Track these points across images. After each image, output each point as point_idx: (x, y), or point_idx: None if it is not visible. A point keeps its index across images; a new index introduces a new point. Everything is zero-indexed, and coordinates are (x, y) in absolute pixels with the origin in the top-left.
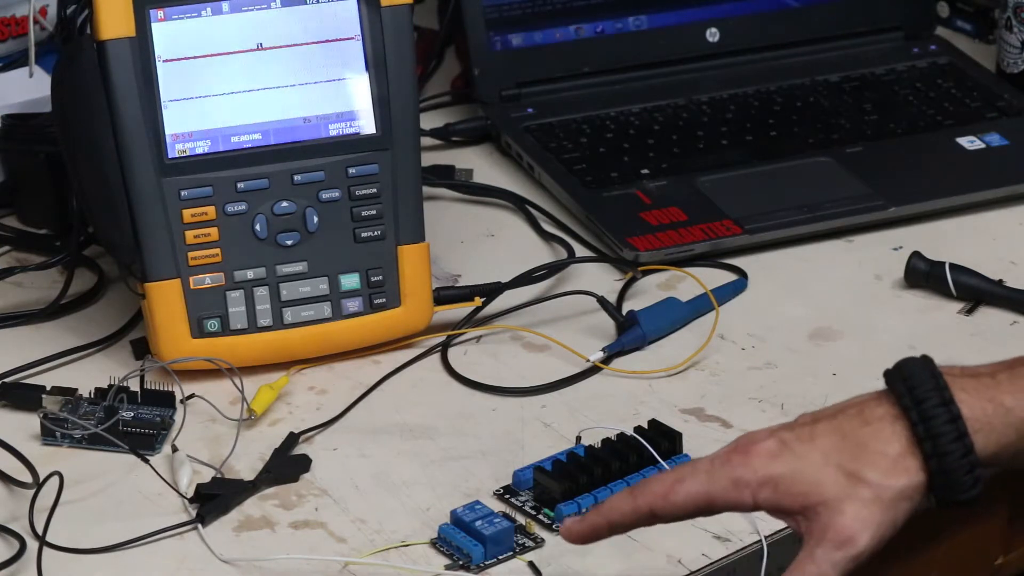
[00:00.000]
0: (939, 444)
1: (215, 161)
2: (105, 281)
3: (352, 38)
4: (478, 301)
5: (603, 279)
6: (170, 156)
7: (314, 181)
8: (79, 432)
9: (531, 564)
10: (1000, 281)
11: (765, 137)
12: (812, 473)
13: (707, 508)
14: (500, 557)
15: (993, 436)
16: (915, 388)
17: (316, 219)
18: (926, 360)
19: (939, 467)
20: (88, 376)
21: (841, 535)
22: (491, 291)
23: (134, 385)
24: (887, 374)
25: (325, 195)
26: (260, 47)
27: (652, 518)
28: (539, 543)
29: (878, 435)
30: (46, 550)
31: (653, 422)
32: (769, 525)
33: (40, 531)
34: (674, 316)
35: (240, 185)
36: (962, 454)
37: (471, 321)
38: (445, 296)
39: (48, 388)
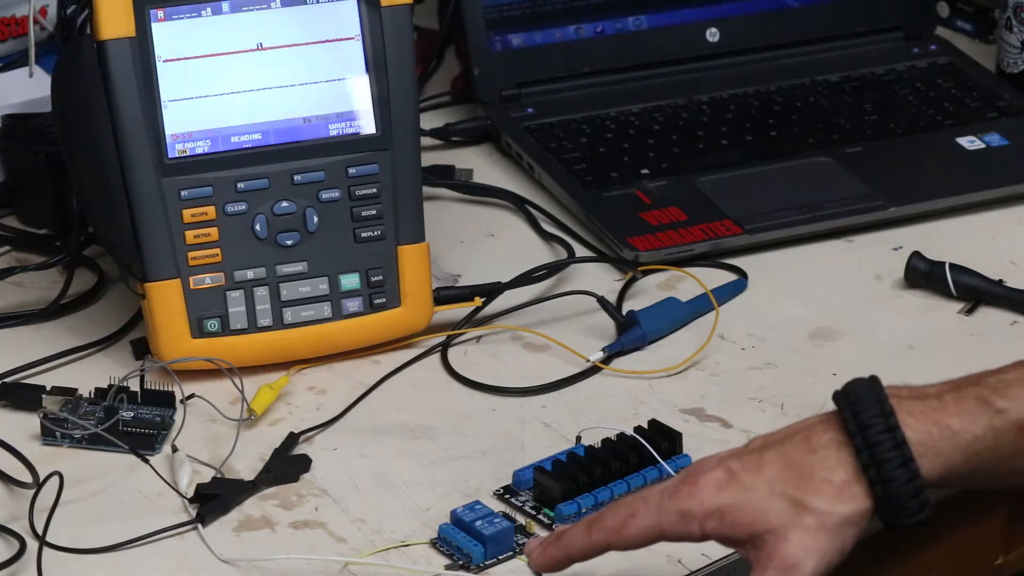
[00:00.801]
0: (884, 471)
1: (215, 161)
2: (105, 281)
3: (352, 38)
4: (478, 301)
5: (603, 279)
6: (170, 156)
7: (314, 181)
8: (79, 432)
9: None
10: (1000, 281)
11: (765, 137)
12: (758, 503)
13: (659, 539)
14: (500, 557)
15: (939, 459)
16: (860, 413)
17: (316, 219)
18: (874, 382)
19: (884, 493)
20: (88, 376)
21: (786, 562)
22: (491, 291)
23: (134, 385)
24: (835, 396)
25: (325, 195)
26: (260, 47)
27: (607, 549)
28: None
29: (823, 462)
30: (46, 550)
31: (653, 422)
32: None
33: (40, 531)
34: (674, 316)
35: (240, 185)
36: (907, 479)
37: (471, 321)
38: (445, 296)
39: (48, 388)
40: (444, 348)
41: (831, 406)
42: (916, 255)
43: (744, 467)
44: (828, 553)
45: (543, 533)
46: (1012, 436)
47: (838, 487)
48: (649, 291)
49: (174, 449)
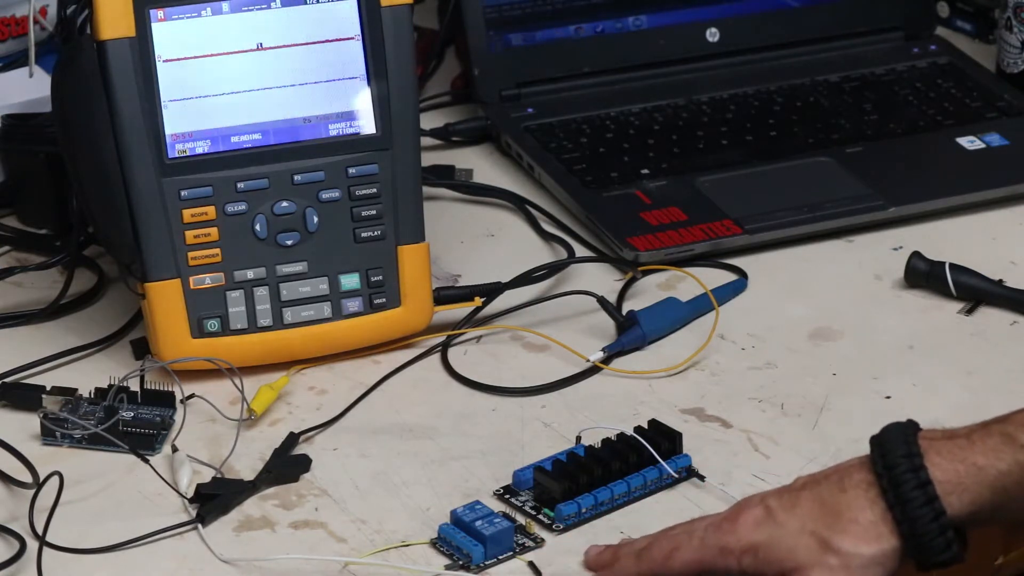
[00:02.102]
0: (908, 509)
1: (215, 161)
2: (105, 281)
3: (352, 38)
4: (478, 301)
5: (603, 279)
6: (170, 156)
7: (314, 181)
8: (79, 432)
9: (531, 564)
10: (1000, 281)
11: (765, 137)
12: (789, 541)
13: (702, 571)
14: (500, 557)
15: (967, 496)
16: (888, 454)
17: (316, 219)
18: (908, 425)
19: (911, 531)
20: (88, 376)
21: None
22: (491, 291)
23: (134, 385)
24: (871, 440)
25: (325, 195)
26: (260, 47)
27: None
28: (539, 543)
29: (853, 502)
30: (46, 550)
31: (653, 422)
32: None
33: (40, 531)
34: (674, 316)
35: (240, 185)
36: (932, 518)
37: (471, 321)
38: (445, 296)
39: (48, 388)
40: (444, 348)
41: (831, 406)
42: (916, 255)
43: (781, 506)
44: None
45: (543, 533)
46: None
47: (864, 527)
48: (649, 291)
49: (174, 449)
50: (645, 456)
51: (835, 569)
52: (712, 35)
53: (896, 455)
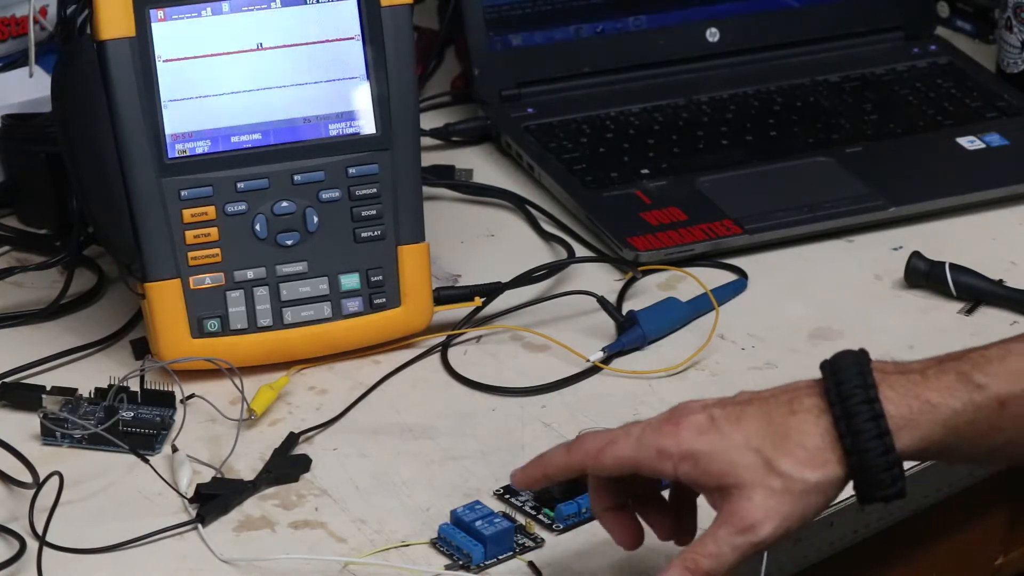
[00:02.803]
0: (859, 440)
1: (215, 161)
2: (105, 281)
3: (352, 38)
4: (478, 301)
5: (603, 279)
6: (170, 156)
7: (314, 181)
8: (79, 432)
9: (531, 564)
10: (1000, 281)
11: (765, 137)
12: (731, 455)
13: (633, 471)
14: (500, 557)
15: (918, 432)
16: (842, 383)
17: (316, 219)
18: (860, 355)
19: (859, 463)
20: (88, 376)
21: (745, 521)
22: (491, 291)
23: (134, 385)
24: (822, 365)
25: (325, 195)
26: (260, 47)
27: (582, 472)
28: (539, 543)
29: (801, 426)
30: (46, 550)
31: None
32: None
33: (40, 531)
34: (674, 316)
35: (240, 185)
36: (882, 451)
37: (471, 321)
38: (445, 296)
39: (48, 388)
40: (444, 348)
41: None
42: (916, 255)
43: (726, 416)
44: (789, 518)
45: (543, 533)
46: (991, 411)
47: (811, 453)
48: (649, 291)
49: (174, 449)
50: None
51: (776, 491)
52: (712, 35)
53: (851, 385)
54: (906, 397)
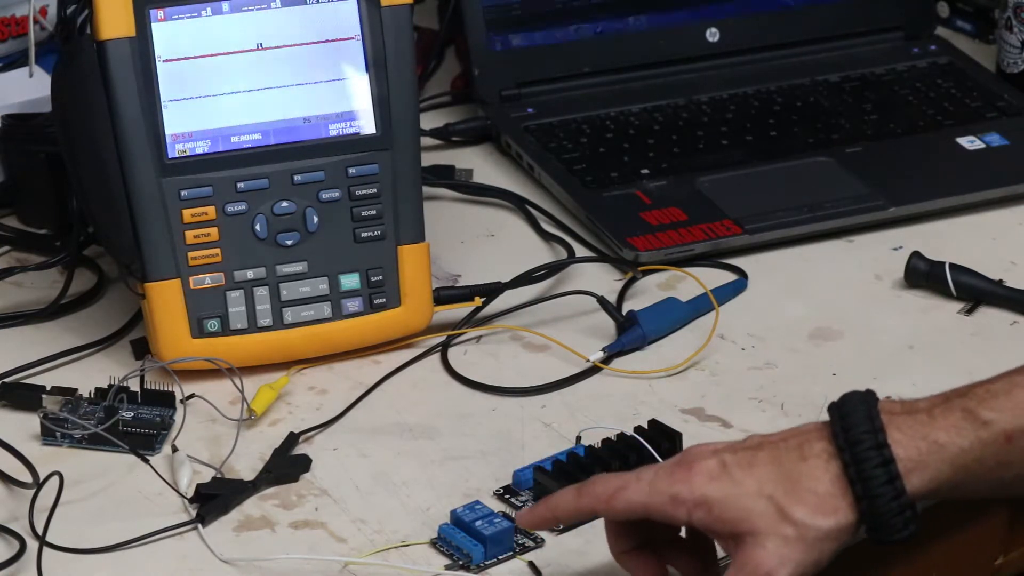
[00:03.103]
0: (870, 487)
1: (215, 161)
2: (105, 281)
3: (352, 38)
4: (478, 301)
5: (603, 279)
6: (170, 156)
7: (314, 181)
8: (79, 432)
9: (531, 564)
10: (1000, 281)
11: (765, 137)
12: (745, 501)
13: (645, 516)
14: (500, 557)
15: (928, 473)
16: (850, 429)
17: (316, 219)
18: (868, 396)
19: (870, 509)
20: (88, 376)
21: (760, 569)
22: (491, 291)
23: (134, 385)
24: (830, 408)
25: (325, 195)
26: (260, 47)
27: (594, 517)
28: (539, 543)
29: (812, 472)
30: (46, 550)
31: (653, 422)
32: None
33: (40, 531)
34: (674, 316)
35: (240, 185)
36: (892, 496)
37: (471, 321)
38: (445, 296)
39: (48, 388)
40: (444, 348)
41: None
42: (916, 255)
43: (737, 462)
44: (803, 564)
45: (543, 533)
46: (998, 447)
47: (823, 499)
48: (649, 291)
49: (174, 449)
50: (645, 456)
51: (790, 539)
52: (712, 35)
53: (859, 430)
54: (914, 439)
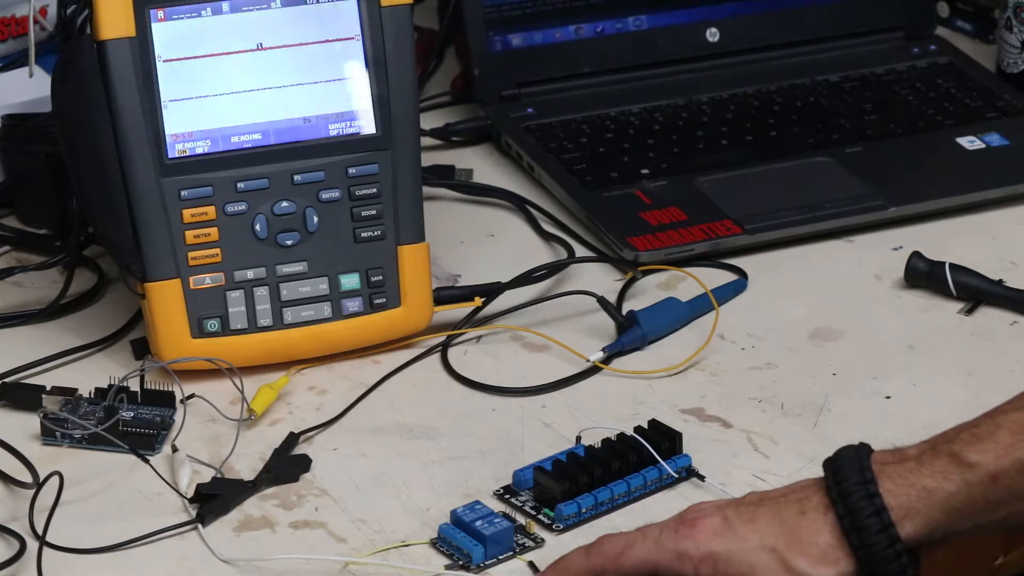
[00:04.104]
0: (864, 536)
1: (215, 161)
2: (105, 281)
3: (352, 38)
4: (478, 301)
5: (603, 279)
6: (170, 156)
7: (314, 181)
8: (79, 432)
9: (531, 564)
10: (1000, 281)
11: (765, 137)
12: (749, 556)
13: (653, 574)
14: (500, 557)
15: (920, 520)
16: (842, 481)
17: (316, 219)
18: (860, 450)
19: (867, 558)
20: (88, 376)
21: None
22: (491, 291)
23: (134, 385)
24: (824, 464)
25: (325, 195)
26: (260, 47)
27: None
28: (539, 543)
29: (811, 525)
30: (46, 550)
31: (653, 422)
32: None
33: (40, 531)
34: (674, 316)
35: (240, 185)
36: (887, 544)
37: (471, 321)
38: (445, 296)
39: (48, 388)
40: (444, 348)
41: (831, 406)
42: (916, 255)
43: (740, 518)
44: None
45: (543, 533)
46: (985, 488)
47: (823, 550)
48: (649, 291)
49: (174, 449)
50: (645, 456)
51: None
52: (712, 35)
53: (851, 482)
54: (903, 487)
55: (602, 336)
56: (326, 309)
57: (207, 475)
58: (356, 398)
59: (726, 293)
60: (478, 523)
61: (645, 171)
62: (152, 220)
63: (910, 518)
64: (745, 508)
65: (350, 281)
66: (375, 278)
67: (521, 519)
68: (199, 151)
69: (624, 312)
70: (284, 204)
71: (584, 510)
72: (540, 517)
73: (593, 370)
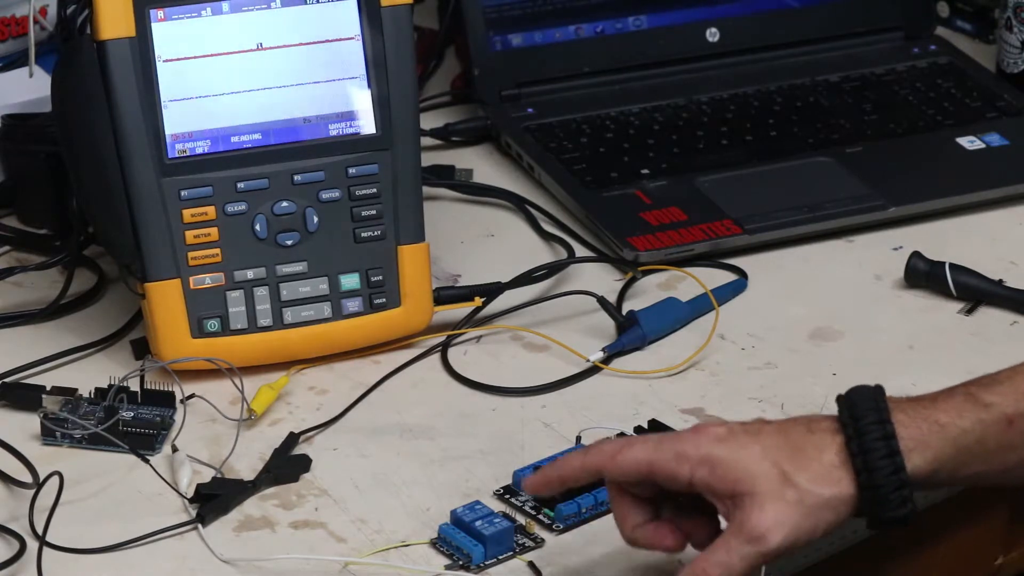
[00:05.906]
0: (869, 459)
1: (215, 161)
2: (105, 281)
3: (352, 38)
4: (478, 301)
5: (603, 279)
6: (170, 156)
7: (314, 181)
8: (79, 432)
9: (531, 564)
10: (1000, 281)
11: (765, 137)
12: (748, 463)
13: (648, 475)
14: (500, 557)
15: (929, 453)
16: (854, 407)
17: (316, 219)
18: (876, 389)
19: (868, 481)
20: (88, 376)
21: (756, 531)
22: (491, 291)
23: (134, 385)
24: (838, 397)
25: (325, 195)
26: (260, 47)
27: (599, 475)
28: (539, 543)
29: (817, 443)
30: (46, 550)
31: (653, 422)
32: None
33: (40, 531)
34: (674, 316)
35: (240, 185)
36: (891, 471)
37: (471, 321)
38: (445, 296)
39: (48, 388)
40: (444, 348)
41: (831, 406)
42: (916, 255)
43: (745, 430)
44: (799, 530)
45: (543, 533)
46: (999, 429)
47: (825, 468)
48: (649, 291)
49: (174, 449)
50: None
51: (790, 503)
52: (712, 35)
53: (863, 408)
54: (916, 420)
55: (602, 336)
56: (326, 309)
57: (207, 475)
58: (356, 398)
59: (726, 293)
60: (478, 523)
61: (645, 171)
62: (152, 220)
63: (919, 450)
64: (751, 424)
65: (350, 281)
66: (375, 278)
67: (521, 519)
68: (199, 151)
69: (624, 312)
70: (284, 204)
71: (584, 510)
72: (540, 517)
73: (593, 370)
